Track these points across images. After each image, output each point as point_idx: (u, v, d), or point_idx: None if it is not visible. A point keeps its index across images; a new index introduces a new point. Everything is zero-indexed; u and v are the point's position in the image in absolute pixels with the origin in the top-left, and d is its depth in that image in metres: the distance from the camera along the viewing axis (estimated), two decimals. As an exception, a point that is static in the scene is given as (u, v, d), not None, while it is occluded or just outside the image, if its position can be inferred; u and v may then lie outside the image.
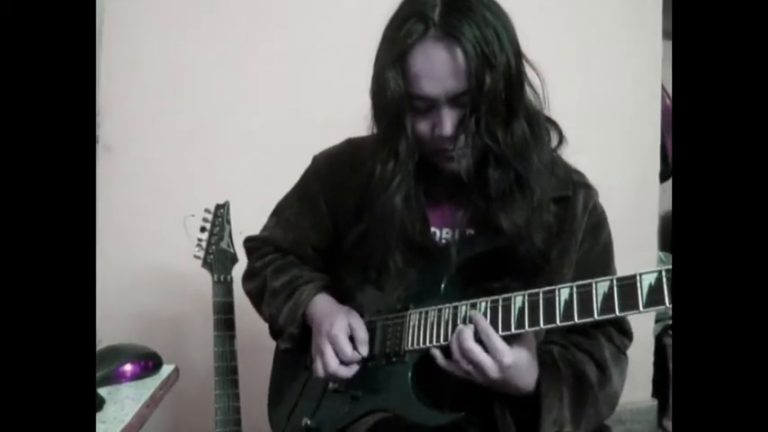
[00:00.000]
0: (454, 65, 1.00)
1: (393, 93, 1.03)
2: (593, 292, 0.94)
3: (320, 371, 1.14)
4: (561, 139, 1.14)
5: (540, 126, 1.10)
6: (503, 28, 1.02)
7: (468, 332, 1.01)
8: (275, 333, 1.31)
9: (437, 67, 1.00)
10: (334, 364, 1.13)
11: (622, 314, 0.92)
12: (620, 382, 1.16)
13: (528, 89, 1.08)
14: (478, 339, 1.01)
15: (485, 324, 1.01)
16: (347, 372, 1.14)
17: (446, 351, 1.06)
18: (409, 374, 1.11)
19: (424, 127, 1.06)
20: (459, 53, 0.99)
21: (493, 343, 1.00)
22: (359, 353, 1.14)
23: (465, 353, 1.01)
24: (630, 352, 1.22)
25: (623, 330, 1.20)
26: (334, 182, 1.25)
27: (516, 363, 1.01)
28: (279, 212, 1.36)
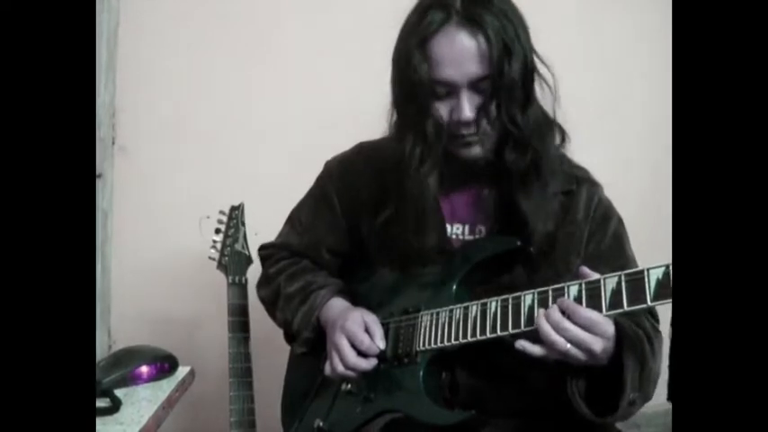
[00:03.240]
0: (477, 50, 1.03)
1: (420, 77, 1.05)
2: (602, 287, 0.96)
3: (338, 365, 1.14)
4: (564, 137, 1.15)
5: (548, 118, 1.13)
6: (519, 23, 1.06)
7: (557, 314, 0.98)
8: (290, 338, 1.31)
9: (460, 52, 1.04)
10: (352, 357, 1.13)
11: (630, 309, 0.93)
12: (660, 359, 1.13)
13: (537, 88, 1.10)
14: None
15: (573, 305, 0.97)
16: (367, 364, 1.13)
17: (456, 354, 1.06)
18: (421, 375, 1.11)
19: (442, 112, 1.08)
20: (482, 39, 1.03)
21: (590, 319, 0.96)
22: (377, 345, 1.14)
23: (563, 332, 0.97)
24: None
25: (652, 313, 1.18)
26: (347, 185, 1.26)
27: (613, 331, 0.99)
28: (293, 218, 1.37)
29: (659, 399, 2.42)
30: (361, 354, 1.13)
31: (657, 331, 1.17)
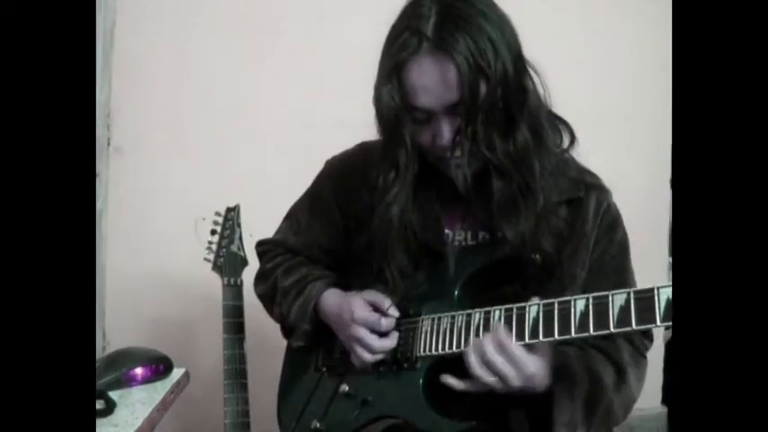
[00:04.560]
0: (447, 78, 1.00)
1: (388, 107, 1.04)
2: (610, 304, 0.94)
3: (364, 354, 1.14)
4: (573, 139, 1.13)
5: (545, 130, 1.09)
6: (499, 34, 1.01)
7: (488, 346, 1.00)
8: (287, 332, 1.31)
9: (431, 81, 1.01)
10: (376, 342, 1.13)
11: (639, 328, 0.92)
12: (638, 385, 1.15)
13: (531, 92, 1.07)
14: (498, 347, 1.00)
15: (503, 337, 1.00)
16: (390, 342, 1.14)
17: (457, 360, 1.06)
18: (420, 381, 1.11)
19: (425, 136, 1.07)
20: (452, 67, 0.99)
21: (515, 356, 0.99)
22: (392, 316, 1.14)
23: (488, 365, 1.00)
24: (641, 358, 1.21)
25: (644, 332, 1.19)
26: (346, 186, 1.26)
27: (537, 370, 1.01)
28: (291, 216, 1.37)
29: (654, 402, 2.45)
30: (383, 334, 1.14)
31: (641, 357, 1.18)
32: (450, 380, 1.04)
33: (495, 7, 1.05)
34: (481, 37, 0.99)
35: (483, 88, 1.00)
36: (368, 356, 1.14)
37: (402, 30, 1.03)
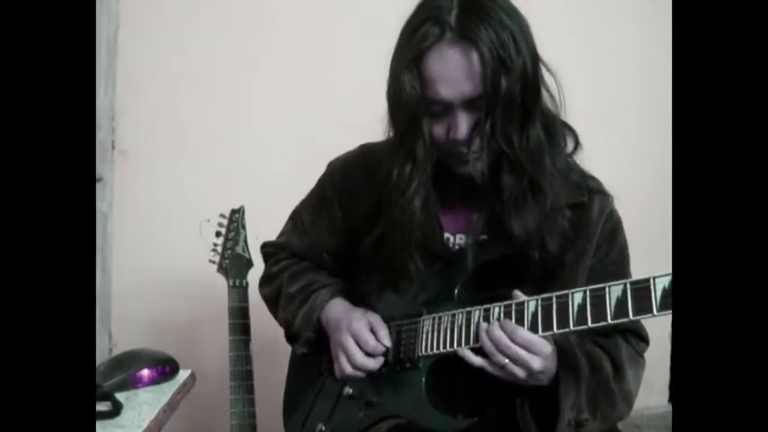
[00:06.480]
0: (470, 69, 0.99)
1: (409, 96, 1.03)
2: (607, 296, 0.95)
3: (346, 366, 1.14)
4: (577, 145, 1.13)
5: (557, 130, 1.10)
6: (519, 32, 1.01)
7: (498, 331, 1.01)
8: (291, 338, 1.32)
9: (453, 71, 1.00)
10: (359, 357, 1.13)
11: (636, 318, 0.92)
12: (636, 383, 1.15)
13: (545, 93, 1.07)
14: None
15: (513, 326, 1.01)
16: (374, 364, 1.14)
17: (458, 359, 1.06)
18: (423, 380, 1.11)
19: (439, 130, 1.06)
20: (475, 57, 0.99)
21: (527, 338, 1.00)
22: (382, 344, 1.14)
23: (502, 348, 1.01)
24: (646, 356, 1.21)
25: (639, 335, 1.19)
26: (348, 187, 1.26)
27: (552, 351, 1.02)
28: (295, 218, 1.37)
29: (660, 401, 2.45)
30: (368, 354, 1.14)
31: (638, 357, 1.18)
32: (467, 353, 1.05)
33: (512, 5, 1.05)
34: (503, 30, 0.99)
35: (504, 82, 0.99)
36: (348, 368, 1.14)
37: (423, 20, 1.02)
